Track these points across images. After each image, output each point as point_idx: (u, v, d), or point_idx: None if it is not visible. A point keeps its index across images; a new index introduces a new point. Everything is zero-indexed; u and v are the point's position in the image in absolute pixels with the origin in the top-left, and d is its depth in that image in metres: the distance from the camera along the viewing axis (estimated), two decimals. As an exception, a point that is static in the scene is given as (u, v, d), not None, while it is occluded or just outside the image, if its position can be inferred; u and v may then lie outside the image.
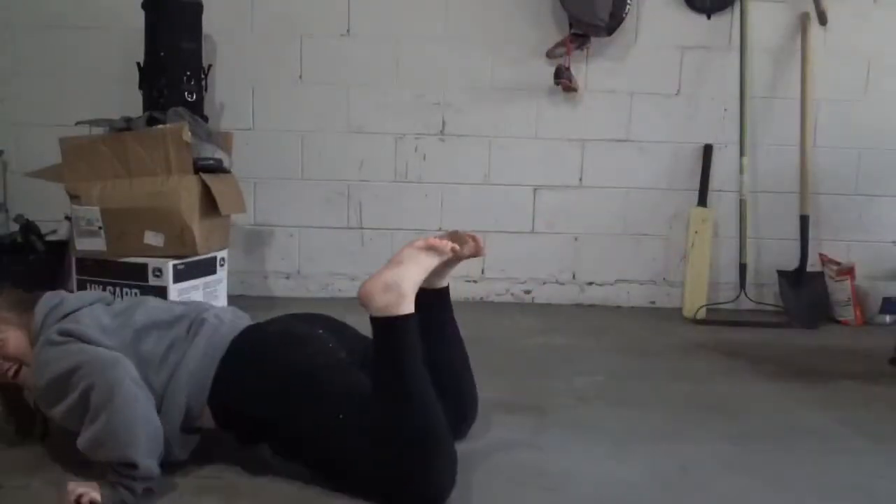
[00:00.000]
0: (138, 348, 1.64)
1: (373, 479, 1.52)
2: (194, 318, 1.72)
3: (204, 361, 1.63)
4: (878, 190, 3.53)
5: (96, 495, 1.46)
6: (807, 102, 3.37)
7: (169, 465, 1.61)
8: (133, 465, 1.48)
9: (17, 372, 1.67)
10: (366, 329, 1.67)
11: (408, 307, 1.59)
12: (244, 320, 1.80)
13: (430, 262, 1.68)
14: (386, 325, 1.58)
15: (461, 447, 1.79)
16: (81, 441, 1.52)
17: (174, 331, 1.69)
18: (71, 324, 1.64)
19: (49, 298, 1.72)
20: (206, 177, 2.68)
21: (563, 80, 3.35)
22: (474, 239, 1.81)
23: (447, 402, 1.60)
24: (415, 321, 1.60)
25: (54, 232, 3.25)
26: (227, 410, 1.63)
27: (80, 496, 1.45)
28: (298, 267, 3.56)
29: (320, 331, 1.77)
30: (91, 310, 1.71)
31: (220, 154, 2.79)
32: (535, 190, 3.53)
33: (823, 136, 3.48)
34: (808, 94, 3.36)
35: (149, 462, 1.50)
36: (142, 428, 1.50)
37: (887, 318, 3.36)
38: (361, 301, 1.61)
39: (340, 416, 1.54)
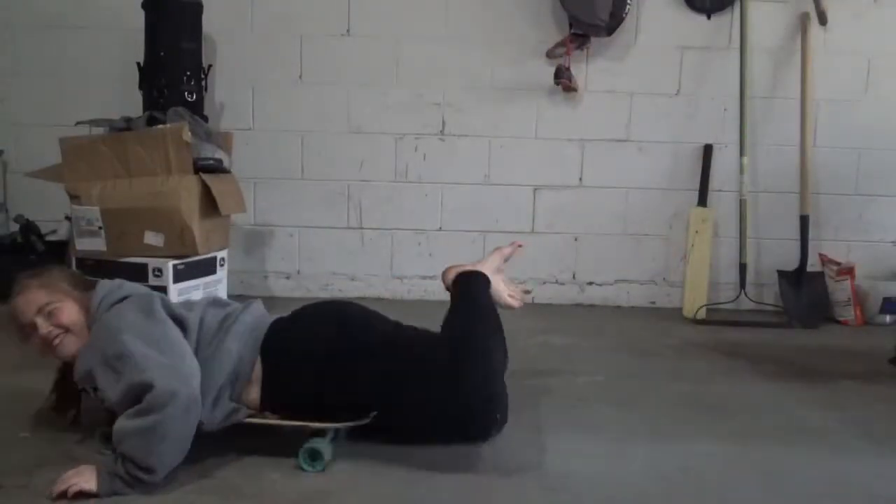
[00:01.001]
0: (203, 320, 1.76)
1: (428, 402, 1.68)
2: (245, 302, 1.89)
3: (257, 321, 1.79)
4: (878, 190, 3.53)
5: (88, 485, 1.50)
6: (807, 102, 3.37)
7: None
8: (149, 470, 1.52)
9: (60, 340, 1.71)
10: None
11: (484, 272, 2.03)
12: None
13: (497, 259, 2.13)
14: (465, 277, 2.01)
15: (463, 449, 1.79)
16: (118, 426, 1.55)
17: (229, 308, 1.86)
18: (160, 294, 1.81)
19: (109, 282, 1.84)
20: (206, 177, 2.68)
21: (563, 80, 3.35)
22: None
23: None
24: (488, 283, 2.00)
25: (54, 232, 3.25)
26: (278, 364, 1.73)
27: (68, 488, 1.49)
28: (298, 267, 3.56)
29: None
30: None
31: (220, 154, 2.79)
32: (535, 190, 3.53)
33: (823, 136, 3.48)
34: (808, 94, 3.36)
35: (163, 474, 1.55)
36: (176, 445, 1.56)
37: (887, 318, 3.36)
38: (444, 274, 2.05)
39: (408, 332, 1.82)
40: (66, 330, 1.71)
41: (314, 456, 1.66)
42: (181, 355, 1.63)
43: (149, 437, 1.51)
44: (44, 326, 1.70)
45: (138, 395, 1.54)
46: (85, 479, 1.51)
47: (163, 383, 1.53)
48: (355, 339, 1.76)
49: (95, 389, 1.67)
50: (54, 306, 1.72)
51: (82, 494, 1.50)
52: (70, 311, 1.73)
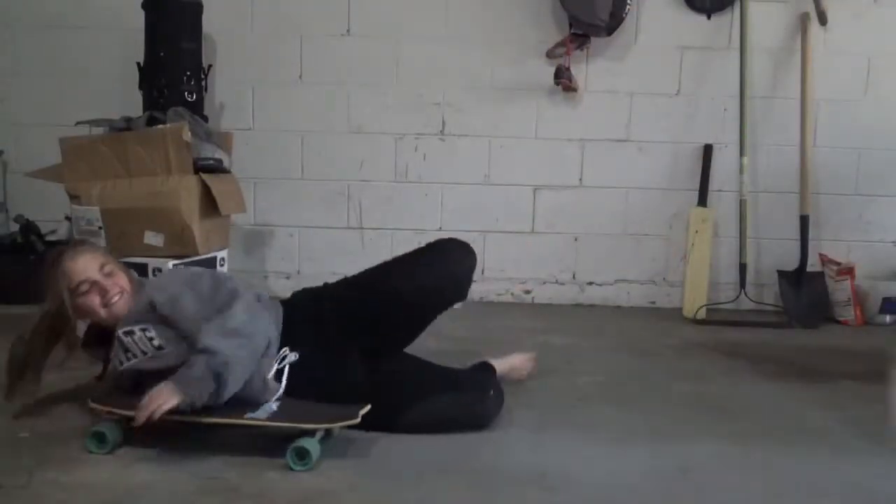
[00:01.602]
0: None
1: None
2: None
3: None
4: (879, 190, 3.53)
5: (170, 403, 1.59)
6: (807, 102, 3.37)
7: (173, 463, 1.64)
8: (238, 333, 1.67)
9: (118, 298, 1.84)
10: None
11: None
12: None
13: (513, 362, 2.32)
14: None
15: (463, 444, 1.79)
16: (215, 327, 1.69)
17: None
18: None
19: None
20: (206, 177, 2.68)
21: (563, 80, 3.35)
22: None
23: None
24: None
25: (54, 232, 3.25)
26: (295, 307, 1.94)
27: (151, 413, 1.58)
28: (298, 267, 3.57)
29: None
30: None
31: (220, 154, 2.79)
32: (535, 190, 3.53)
33: (823, 136, 3.48)
34: (808, 94, 3.36)
35: (245, 369, 1.69)
36: (259, 340, 1.73)
37: (887, 318, 3.35)
38: None
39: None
40: (123, 291, 1.85)
41: (302, 455, 1.65)
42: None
43: (241, 332, 1.68)
44: (108, 283, 1.83)
45: (229, 298, 1.74)
46: (164, 398, 1.58)
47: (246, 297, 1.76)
48: (348, 280, 2.04)
49: (146, 332, 1.76)
50: (111, 267, 1.87)
51: (167, 413, 1.59)
52: (123, 277, 1.88)
